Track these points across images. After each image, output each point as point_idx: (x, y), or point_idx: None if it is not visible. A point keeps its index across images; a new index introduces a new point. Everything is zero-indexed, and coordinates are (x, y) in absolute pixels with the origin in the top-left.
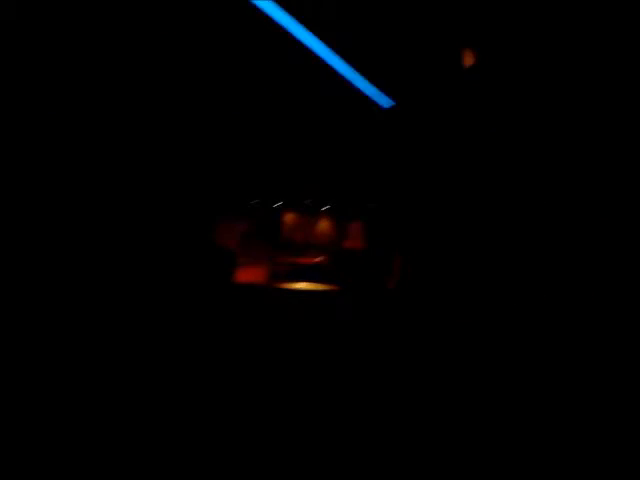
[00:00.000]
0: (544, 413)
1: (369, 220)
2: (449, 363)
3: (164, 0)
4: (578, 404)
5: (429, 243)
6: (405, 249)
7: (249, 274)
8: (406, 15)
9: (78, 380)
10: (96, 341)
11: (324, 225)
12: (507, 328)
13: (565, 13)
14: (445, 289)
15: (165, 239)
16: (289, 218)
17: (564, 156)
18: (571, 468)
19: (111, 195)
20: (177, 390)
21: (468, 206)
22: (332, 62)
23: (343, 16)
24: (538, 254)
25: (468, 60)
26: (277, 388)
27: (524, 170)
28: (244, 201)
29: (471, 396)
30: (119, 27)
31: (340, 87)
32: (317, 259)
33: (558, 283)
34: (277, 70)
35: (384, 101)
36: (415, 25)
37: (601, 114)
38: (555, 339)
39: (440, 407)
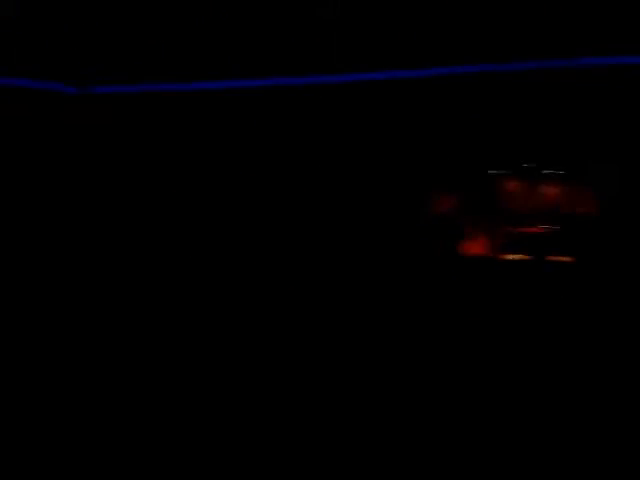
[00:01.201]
0: None
1: (602, 183)
2: None
3: None
4: None
5: None
6: None
7: (475, 246)
8: None
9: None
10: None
11: (548, 190)
12: None
13: None
14: None
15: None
16: (509, 184)
17: None
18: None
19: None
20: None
21: None
22: None
23: None
24: None
25: None
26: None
27: None
28: (460, 169)
29: None
30: None
31: None
32: (542, 228)
33: None
34: None
35: None
36: None
37: None
38: None
39: None
